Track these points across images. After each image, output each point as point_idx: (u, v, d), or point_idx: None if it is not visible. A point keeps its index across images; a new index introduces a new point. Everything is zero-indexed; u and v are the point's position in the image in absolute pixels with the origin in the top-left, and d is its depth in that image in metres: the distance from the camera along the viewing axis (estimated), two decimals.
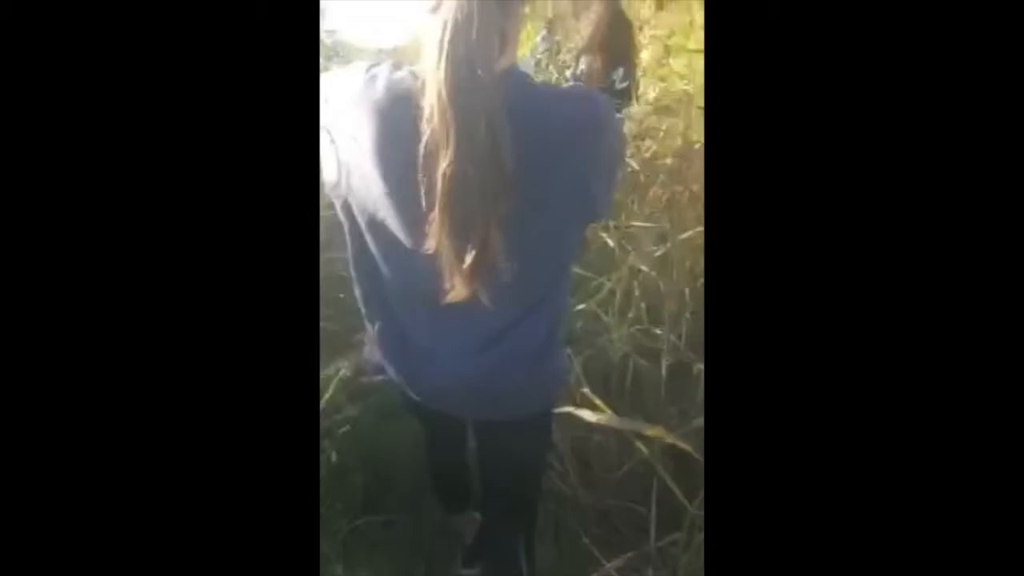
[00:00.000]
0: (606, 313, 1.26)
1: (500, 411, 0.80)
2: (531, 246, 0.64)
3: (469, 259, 0.58)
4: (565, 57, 1.97)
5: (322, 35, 2.67)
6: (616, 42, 1.71)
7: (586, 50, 1.74)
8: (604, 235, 1.52)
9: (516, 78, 0.62)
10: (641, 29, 2.03)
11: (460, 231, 0.58)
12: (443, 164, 0.56)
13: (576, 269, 1.43)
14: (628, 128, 1.73)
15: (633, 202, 1.64)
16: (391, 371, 0.79)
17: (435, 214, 0.57)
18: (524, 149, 0.57)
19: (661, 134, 1.76)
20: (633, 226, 1.49)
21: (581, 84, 1.02)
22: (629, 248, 1.42)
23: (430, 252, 0.59)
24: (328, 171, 0.67)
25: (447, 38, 0.55)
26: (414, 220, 0.61)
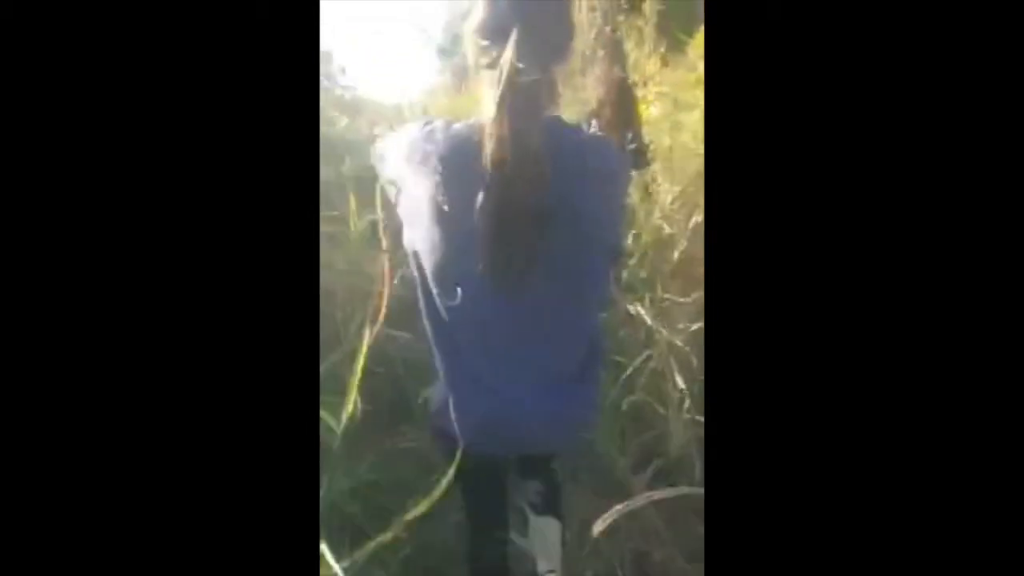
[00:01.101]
0: (664, 407, 1.31)
1: (539, 446, 0.88)
2: (566, 280, 0.73)
3: (513, 275, 0.69)
4: (574, 115, 2.00)
5: (339, 91, 2.76)
6: (622, 107, 1.76)
7: (595, 114, 1.80)
8: (639, 306, 1.56)
9: (554, 121, 0.73)
10: (646, 84, 2.07)
11: (507, 259, 0.68)
12: (500, 201, 0.65)
13: (617, 358, 1.47)
14: (654, 190, 1.78)
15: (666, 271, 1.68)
16: (452, 406, 0.83)
17: (487, 244, 0.68)
18: (556, 186, 0.67)
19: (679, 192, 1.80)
20: (667, 299, 1.53)
21: (602, 135, 1.11)
22: (664, 324, 1.47)
23: (479, 269, 0.69)
24: (406, 233, 0.77)
25: (505, 94, 0.64)
26: (469, 253, 0.70)
